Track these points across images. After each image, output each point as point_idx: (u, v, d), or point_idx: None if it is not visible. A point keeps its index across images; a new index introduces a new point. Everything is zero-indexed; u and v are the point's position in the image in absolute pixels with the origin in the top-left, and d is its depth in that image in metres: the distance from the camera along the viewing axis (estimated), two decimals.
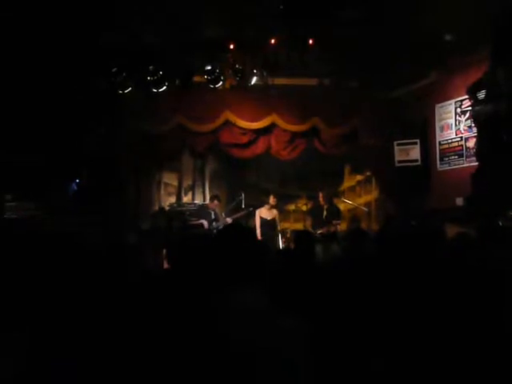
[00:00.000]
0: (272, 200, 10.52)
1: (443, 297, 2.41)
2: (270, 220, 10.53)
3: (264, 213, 10.56)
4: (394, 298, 2.36)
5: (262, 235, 10.14)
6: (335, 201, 11.33)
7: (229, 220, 10.26)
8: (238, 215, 10.53)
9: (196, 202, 11.78)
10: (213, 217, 10.43)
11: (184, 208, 10.96)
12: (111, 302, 2.52)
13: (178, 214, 10.64)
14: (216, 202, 10.58)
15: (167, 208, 11.03)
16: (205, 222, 10.29)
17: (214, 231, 9.94)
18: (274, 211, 10.68)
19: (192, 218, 10.46)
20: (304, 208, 11.28)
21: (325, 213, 10.58)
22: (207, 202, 11.14)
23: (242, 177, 12.62)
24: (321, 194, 10.67)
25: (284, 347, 1.91)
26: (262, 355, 1.87)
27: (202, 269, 2.60)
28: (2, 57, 8.26)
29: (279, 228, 10.72)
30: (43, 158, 8.98)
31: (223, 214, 10.85)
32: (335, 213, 10.64)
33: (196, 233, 8.97)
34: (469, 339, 2.27)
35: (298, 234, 6.01)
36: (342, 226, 10.93)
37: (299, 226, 11.57)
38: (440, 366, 2.20)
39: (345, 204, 11.79)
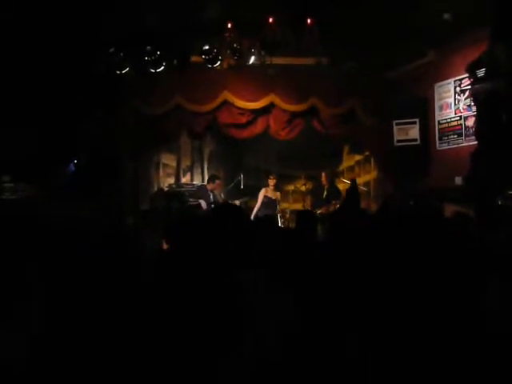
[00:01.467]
0: (271, 182, 10.53)
1: (438, 276, 2.41)
2: (274, 200, 10.56)
3: (269, 192, 10.59)
4: (389, 277, 2.36)
5: (262, 214, 10.17)
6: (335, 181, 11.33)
7: None
8: (237, 202, 10.44)
9: (195, 182, 11.78)
10: (211, 198, 10.39)
11: (183, 189, 10.94)
12: (111, 285, 2.52)
13: (176, 194, 10.62)
14: (216, 182, 10.53)
15: (166, 189, 11.01)
16: (203, 203, 10.26)
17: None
18: (277, 192, 10.72)
19: (190, 199, 10.42)
20: (303, 188, 11.28)
21: (325, 193, 10.59)
22: (205, 182, 11.07)
23: (240, 158, 12.60)
24: (324, 174, 10.67)
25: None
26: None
27: (200, 249, 2.61)
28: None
29: (279, 208, 10.71)
30: (41, 139, 8.96)
31: (222, 195, 10.84)
32: (335, 193, 10.64)
33: (193, 214, 8.97)
34: (455, 318, 2.27)
35: (300, 214, 5.99)
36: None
37: (298, 207, 11.58)
38: (422, 343, 2.20)
39: (344, 184, 11.79)
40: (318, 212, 9.86)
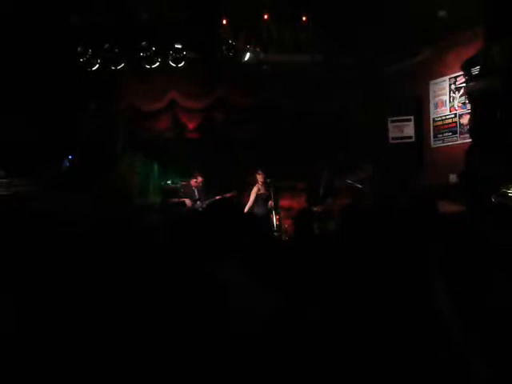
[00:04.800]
0: (260, 177, 10.46)
1: (433, 272, 2.42)
2: (267, 197, 10.52)
3: (262, 189, 10.54)
4: (381, 272, 2.37)
5: (256, 211, 10.15)
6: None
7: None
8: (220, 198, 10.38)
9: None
10: (196, 196, 10.34)
11: (179, 186, 10.91)
12: (102, 278, 2.51)
13: (171, 191, 10.61)
14: (198, 179, 10.44)
15: (165, 186, 10.97)
16: (187, 201, 10.21)
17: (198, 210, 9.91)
18: (269, 188, 10.64)
19: (174, 198, 10.34)
20: (299, 186, 11.25)
21: (321, 190, 10.56)
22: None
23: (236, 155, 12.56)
24: (318, 172, 10.64)
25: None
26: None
27: (188, 245, 2.62)
28: None
29: (272, 204, 10.64)
30: (36, 134, 8.93)
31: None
32: (331, 190, 10.61)
33: (176, 213, 8.94)
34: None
35: (299, 212, 5.98)
36: (337, 204, 10.88)
37: (294, 204, 11.54)
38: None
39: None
40: (314, 209, 9.84)
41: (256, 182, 10.51)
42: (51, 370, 2.02)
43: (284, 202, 11.74)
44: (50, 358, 2.05)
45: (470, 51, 8.38)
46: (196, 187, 10.42)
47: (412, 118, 10.59)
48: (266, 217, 10.23)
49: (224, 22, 9.33)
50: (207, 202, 10.16)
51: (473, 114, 8.60)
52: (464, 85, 8.96)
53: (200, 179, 10.44)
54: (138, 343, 2.05)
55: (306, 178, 11.17)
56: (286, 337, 2.06)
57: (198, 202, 10.28)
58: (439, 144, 10.08)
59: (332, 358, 2.08)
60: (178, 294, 2.09)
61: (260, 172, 10.49)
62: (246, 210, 10.28)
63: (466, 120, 9.31)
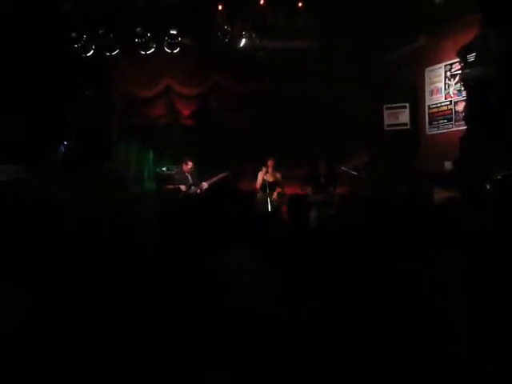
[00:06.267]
0: (270, 163, 10.50)
1: (430, 260, 2.44)
2: (272, 182, 10.53)
3: (268, 175, 10.54)
4: (377, 261, 2.38)
5: (261, 197, 10.22)
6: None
7: (205, 184, 10.24)
8: (214, 179, 10.38)
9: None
10: (190, 181, 10.36)
11: (173, 172, 10.90)
12: (102, 269, 2.52)
13: (166, 177, 10.60)
14: (188, 164, 10.42)
15: (160, 173, 10.96)
16: (182, 187, 10.23)
17: (191, 196, 9.93)
18: (277, 174, 10.64)
19: (169, 185, 10.35)
20: (300, 173, 11.23)
21: (322, 179, 10.55)
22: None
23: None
24: (321, 162, 10.63)
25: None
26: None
27: (187, 234, 2.63)
28: None
29: (278, 190, 10.62)
30: (31, 121, 8.90)
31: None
32: (332, 178, 10.62)
33: (176, 197, 8.95)
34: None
35: (291, 198, 6.01)
36: (338, 192, 10.87)
37: (296, 191, 11.49)
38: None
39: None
40: (316, 197, 9.86)
41: (266, 168, 10.50)
42: (51, 370, 2.03)
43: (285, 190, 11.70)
44: (49, 353, 2.06)
45: (465, 38, 8.36)
46: (188, 172, 10.43)
47: (407, 105, 10.59)
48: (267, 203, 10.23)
49: (220, 7, 9.28)
50: (204, 183, 10.26)
51: (468, 101, 8.61)
52: (459, 72, 8.96)
53: (190, 164, 10.42)
54: (139, 334, 2.07)
55: (304, 166, 11.17)
56: (287, 315, 2.09)
57: (193, 187, 10.29)
58: (434, 131, 10.10)
59: (331, 340, 2.10)
60: (180, 280, 2.11)
61: (271, 159, 10.51)
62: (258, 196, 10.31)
63: (461, 107, 9.31)
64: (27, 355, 2.03)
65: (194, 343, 2.00)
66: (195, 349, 1.99)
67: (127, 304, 2.22)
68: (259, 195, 10.35)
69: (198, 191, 10.21)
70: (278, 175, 10.68)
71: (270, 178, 10.52)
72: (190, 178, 10.41)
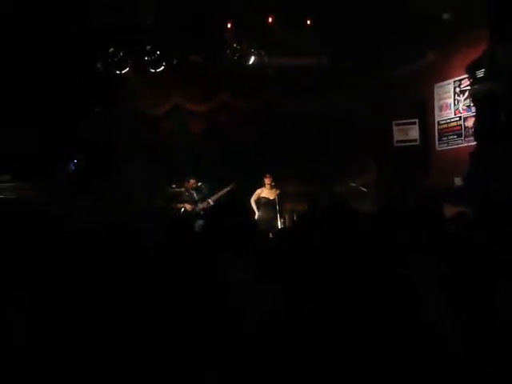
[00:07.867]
0: (267, 180, 10.43)
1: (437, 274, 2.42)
2: (272, 200, 10.46)
3: (265, 192, 10.49)
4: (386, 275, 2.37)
5: (262, 215, 10.16)
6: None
7: (211, 201, 10.24)
8: (219, 194, 10.38)
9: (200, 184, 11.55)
10: (196, 198, 10.36)
11: (182, 189, 10.90)
12: (106, 285, 2.51)
13: (176, 195, 10.60)
14: (190, 182, 10.39)
15: (169, 190, 10.97)
16: (187, 206, 10.21)
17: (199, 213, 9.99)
18: (277, 191, 10.56)
19: (177, 203, 10.36)
20: (303, 190, 11.21)
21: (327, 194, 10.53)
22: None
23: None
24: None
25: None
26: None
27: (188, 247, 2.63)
28: None
29: (278, 208, 10.59)
30: (41, 139, 8.96)
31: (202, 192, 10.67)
32: (335, 194, 10.60)
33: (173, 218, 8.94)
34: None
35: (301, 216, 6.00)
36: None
37: (301, 207, 11.47)
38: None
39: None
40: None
41: (263, 185, 10.48)
42: (51, 370, 2.03)
43: (288, 206, 11.68)
44: (51, 357, 2.06)
45: (474, 54, 8.37)
46: (193, 189, 10.42)
47: (417, 121, 10.58)
48: (271, 220, 10.18)
49: (229, 25, 9.35)
50: (210, 200, 10.26)
51: (477, 116, 8.59)
52: (469, 87, 8.95)
53: (192, 181, 10.43)
54: (140, 336, 2.06)
55: (311, 182, 11.15)
56: (285, 330, 2.08)
57: (199, 204, 10.28)
58: (444, 147, 10.07)
59: (330, 347, 2.08)
60: (183, 292, 2.11)
61: (268, 175, 10.46)
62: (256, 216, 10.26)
63: (470, 123, 9.29)
64: (28, 365, 2.04)
65: (194, 345, 1.99)
66: (195, 349, 1.99)
67: (132, 311, 2.23)
68: (260, 213, 10.29)
69: (204, 207, 10.20)
70: (276, 192, 10.45)
71: (270, 196, 10.45)
72: (195, 194, 10.39)
